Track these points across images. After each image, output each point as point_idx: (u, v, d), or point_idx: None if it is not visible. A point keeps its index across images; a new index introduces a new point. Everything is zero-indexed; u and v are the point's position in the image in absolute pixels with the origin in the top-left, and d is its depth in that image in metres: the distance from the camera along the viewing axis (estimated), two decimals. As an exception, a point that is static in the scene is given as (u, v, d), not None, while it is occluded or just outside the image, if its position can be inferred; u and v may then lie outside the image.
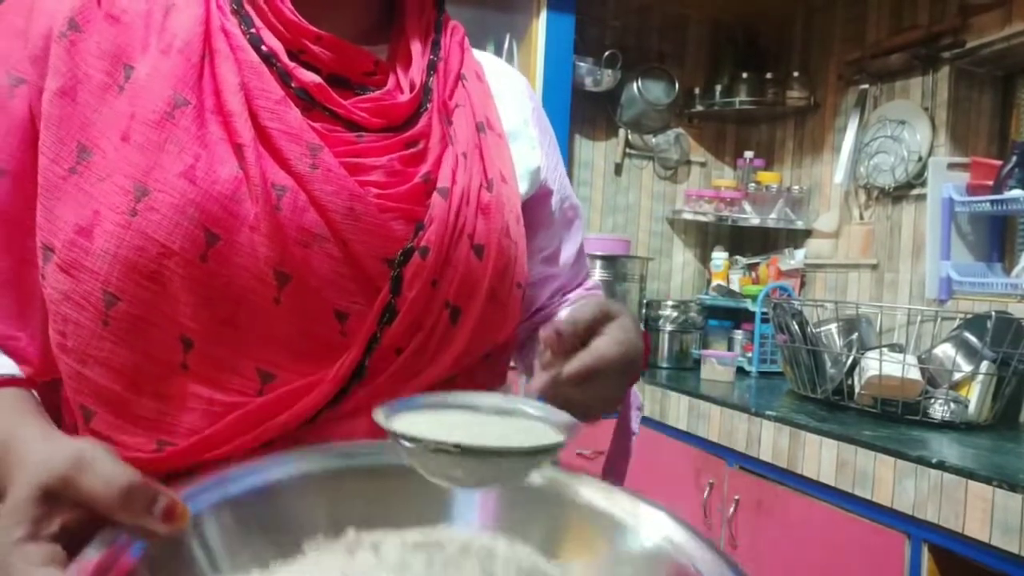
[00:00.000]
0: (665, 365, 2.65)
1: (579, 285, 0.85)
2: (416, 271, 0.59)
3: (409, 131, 0.63)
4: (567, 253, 0.81)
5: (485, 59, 0.77)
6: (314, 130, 0.58)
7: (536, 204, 0.75)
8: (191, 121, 0.56)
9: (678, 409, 2.16)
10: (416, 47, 0.67)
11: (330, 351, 0.57)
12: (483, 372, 0.66)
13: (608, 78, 2.72)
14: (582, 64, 2.66)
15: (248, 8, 0.61)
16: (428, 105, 0.65)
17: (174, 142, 0.55)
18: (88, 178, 0.55)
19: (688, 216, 2.86)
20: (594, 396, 0.56)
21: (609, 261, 2.59)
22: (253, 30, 0.60)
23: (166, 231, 0.54)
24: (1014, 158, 1.94)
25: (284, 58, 0.60)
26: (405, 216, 0.60)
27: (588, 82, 2.69)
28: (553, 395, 0.53)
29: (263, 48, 0.60)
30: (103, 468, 0.42)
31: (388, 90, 0.64)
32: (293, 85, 0.60)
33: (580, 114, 2.80)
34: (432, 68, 0.67)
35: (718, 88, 2.82)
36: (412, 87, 0.64)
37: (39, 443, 0.47)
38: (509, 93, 0.76)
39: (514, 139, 0.73)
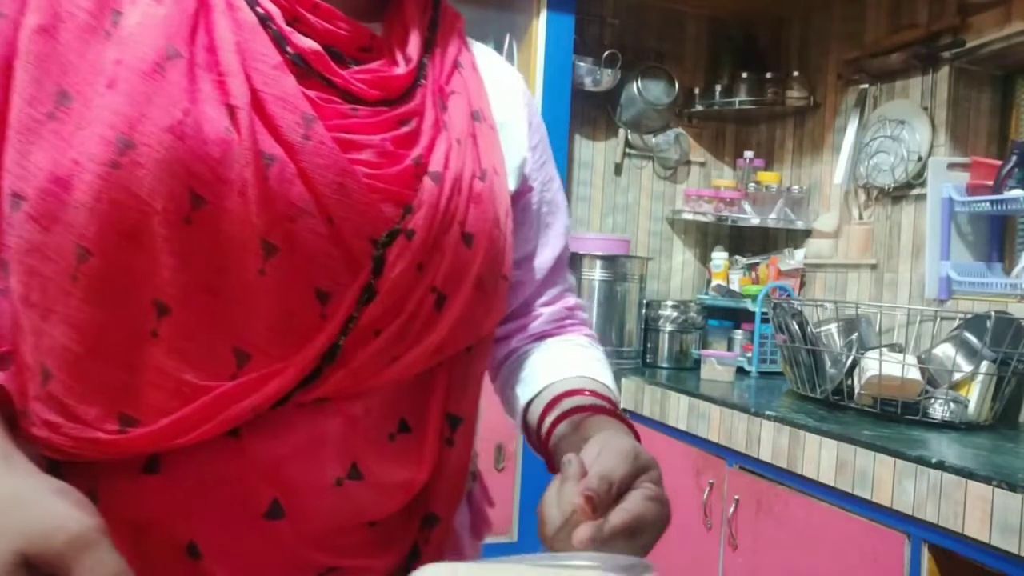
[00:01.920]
0: (665, 365, 2.65)
1: (559, 299, 0.80)
2: (400, 252, 0.57)
3: (403, 106, 0.61)
4: (542, 259, 0.78)
5: (480, 51, 0.75)
6: (308, 99, 0.56)
7: (514, 201, 0.73)
8: (182, 75, 0.52)
9: (678, 409, 2.16)
10: (413, 24, 0.65)
11: (309, 334, 0.55)
12: (463, 366, 0.64)
13: (608, 78, 2.72)
14: (582, 64, 2.66)
15: None
16: (423, 81, 0.63)
17: (164, 95, 0.51)
18: (67, 125, 0.51)
19: (688, 216, 2.86)
20: (624, 550, 0.53)
21: (609, 261, 2.60)
22: None
23: (149, 187, 0.50)
24: (1014, 158, 1.94)
25: (280, 22, 0.58)
26: (394, 198, 0.58)
27: (588, 82, 2.69)
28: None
29: (258, 9, 0.57)
30: (103, 557, 0.40)
31: (385, 62, 0.62)
32: (289, 50, 0.57)
33: (580, 114, 2.80)
34: (428, 46, 0.66)
35: (717, 88, 2.82)
36: (408, 61, 0.63)
37: (24, 489, 0.43)
38: (503, 87, 0.74)
39: (504, 132, 0.71)
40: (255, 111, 0.54)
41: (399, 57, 0.63)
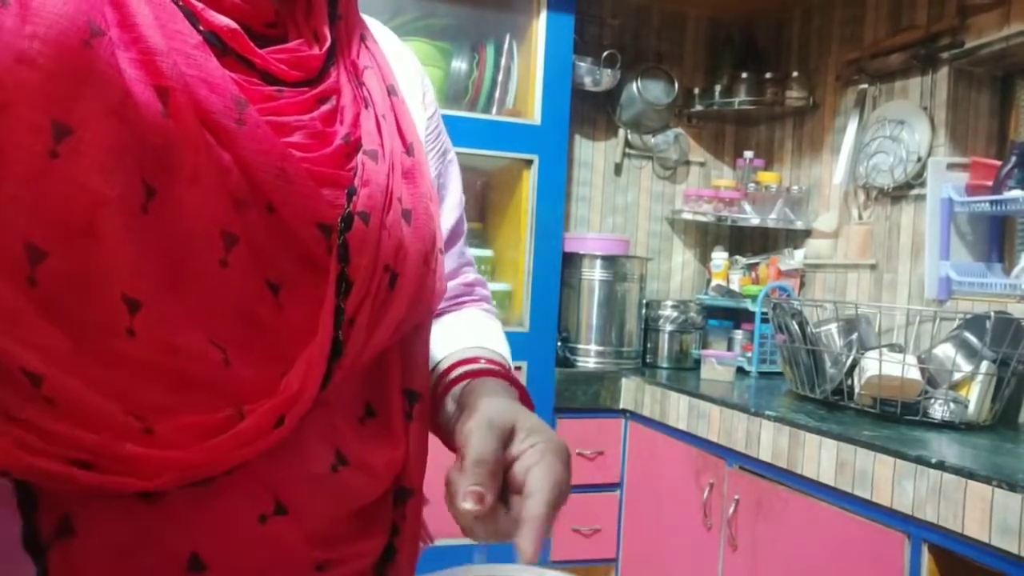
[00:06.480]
0: (665, 365, 2.66)
1: (457, 275, 0.80)
2: (362, 238, 0.56)
3: (321, 84, 0.59)
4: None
5: (368, 19, 0.73)
6: (234, 82, 0.53)
7: None
8: (111, 55, 0.47)
9: (678, 409, 2.16)
10: None
11: (271, 327, 0.53)
12: (413, 342, 0.64)
13: (607, 78, 2.72)
14: (582, 64, 2.66)
15: None
16: (335, 58, 0.62)
17: (97, 75, 0.46)
18: None
19: (688, 216, 2.86)
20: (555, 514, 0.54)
21: (609, 261, 2.60)
22: None
23: (99, 176, 0.46)
24: (1013, 158, 1.95)
25: None
26: (331, 180, 0.56)
27: (587, 82, 2.69)
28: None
29: None
30: None
31: (300, 41, 0.60)
32: (201, 28, 0.53)
33: (580, 114, 2.80)
34: (331, 18, 0.63)
35: (717, 88, 2.82)
36: (321, 38, 0.61)
37: None
38: (397, 56, 0.73)
39: (407, 103, 0.70)
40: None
41: (308, 32, 0.60)
